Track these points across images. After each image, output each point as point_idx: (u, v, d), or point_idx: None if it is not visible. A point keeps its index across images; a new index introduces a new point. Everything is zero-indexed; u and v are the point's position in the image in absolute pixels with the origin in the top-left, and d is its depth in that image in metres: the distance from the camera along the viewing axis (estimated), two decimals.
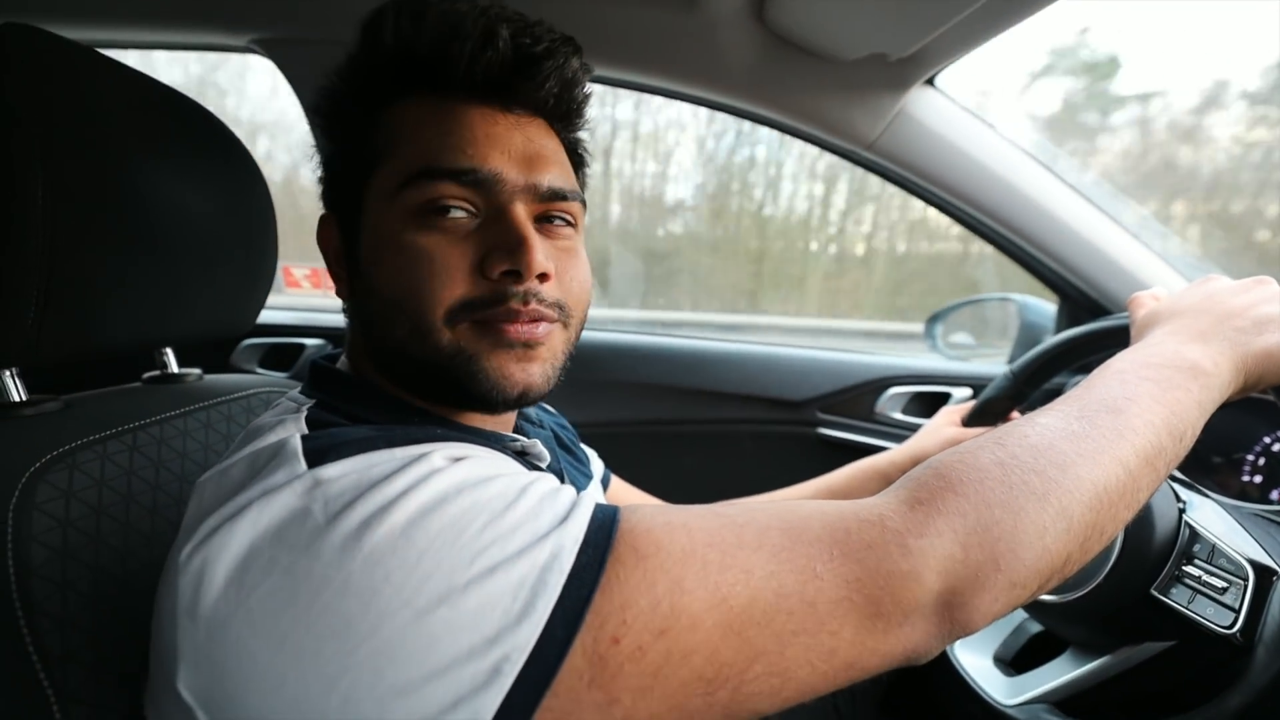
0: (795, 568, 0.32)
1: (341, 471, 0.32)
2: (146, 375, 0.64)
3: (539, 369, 0.44)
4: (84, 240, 0.46)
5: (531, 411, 0.65)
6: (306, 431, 0.38)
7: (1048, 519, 0.35)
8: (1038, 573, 0.35)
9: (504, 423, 0.52)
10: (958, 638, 0.35)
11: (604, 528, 0.32)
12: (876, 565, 0.32)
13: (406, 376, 0.46)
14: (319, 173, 0.51)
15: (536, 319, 0.43)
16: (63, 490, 0.44)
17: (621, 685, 0.29)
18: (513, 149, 0.43)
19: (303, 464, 0.34)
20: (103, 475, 0.48)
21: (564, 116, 0.49)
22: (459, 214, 0.42)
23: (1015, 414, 0.77)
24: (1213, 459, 0.82)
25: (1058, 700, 0.63)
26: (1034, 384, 0.72)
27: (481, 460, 0.36)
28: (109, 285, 0.49)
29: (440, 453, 0.35)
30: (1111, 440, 0.38)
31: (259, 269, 0.64)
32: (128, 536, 0.47)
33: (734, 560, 0.32)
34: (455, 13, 0.42)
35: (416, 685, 0.27)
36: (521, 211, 0.43)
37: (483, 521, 0.31)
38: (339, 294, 0.49)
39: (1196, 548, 0.56)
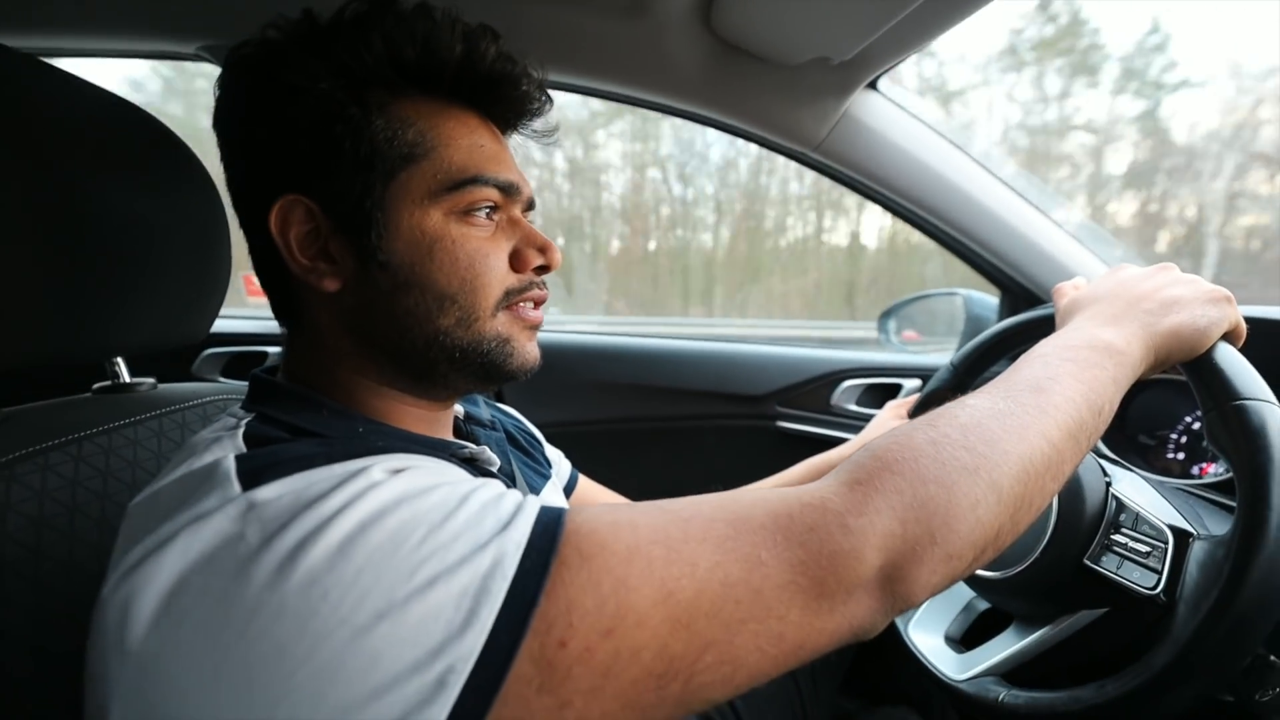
0: (741, 556, 0.32)
1: (278, 493, 0.32)
2: (96, 386, 0.63)
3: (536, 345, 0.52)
4: (24, 247, 0.45)
5: (485, 414, 0.65)
6: (244, 449, 0.37)
7: (979, 492, 0.36)
8: (972, 544, 0.36)
9: (447, 426, 0.54)
10: (900, 611, 0.36)
11: (548, 531, 0.32)
12: (819, 547, 0.33)
13: (421, 365, 0.47)
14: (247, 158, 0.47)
15: (543, 302, 0.51)
16: None
17: (572, 688, 0.29)
18: (514, 163, 0.50)
19: (236, 486, 0.33)
20: (44, 487, 0.47)
21: (538, 135, 0.55)
22: (494, 216, 0.48)
23: None
24: (1140, 439, 0.87)
25: (1004, 672, 0.66)
26: (974, 374, 0.75)
27: (423, 470, 0.35)
28: (51, 293, 0.48)
29: (380, 465, 0.34)
30: (1036, 416, 0.40)
31: (212, 276, 0.63)
32: (73, 549, 0.46)
33: (679, 554, 0.32)
34: (431, 17, 0.44)
35: (360, 704, 0.27)
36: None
37: (422, 533, 0.30)
38: (317, 285, 0.45)
39: (1123, 517, 0.60)
